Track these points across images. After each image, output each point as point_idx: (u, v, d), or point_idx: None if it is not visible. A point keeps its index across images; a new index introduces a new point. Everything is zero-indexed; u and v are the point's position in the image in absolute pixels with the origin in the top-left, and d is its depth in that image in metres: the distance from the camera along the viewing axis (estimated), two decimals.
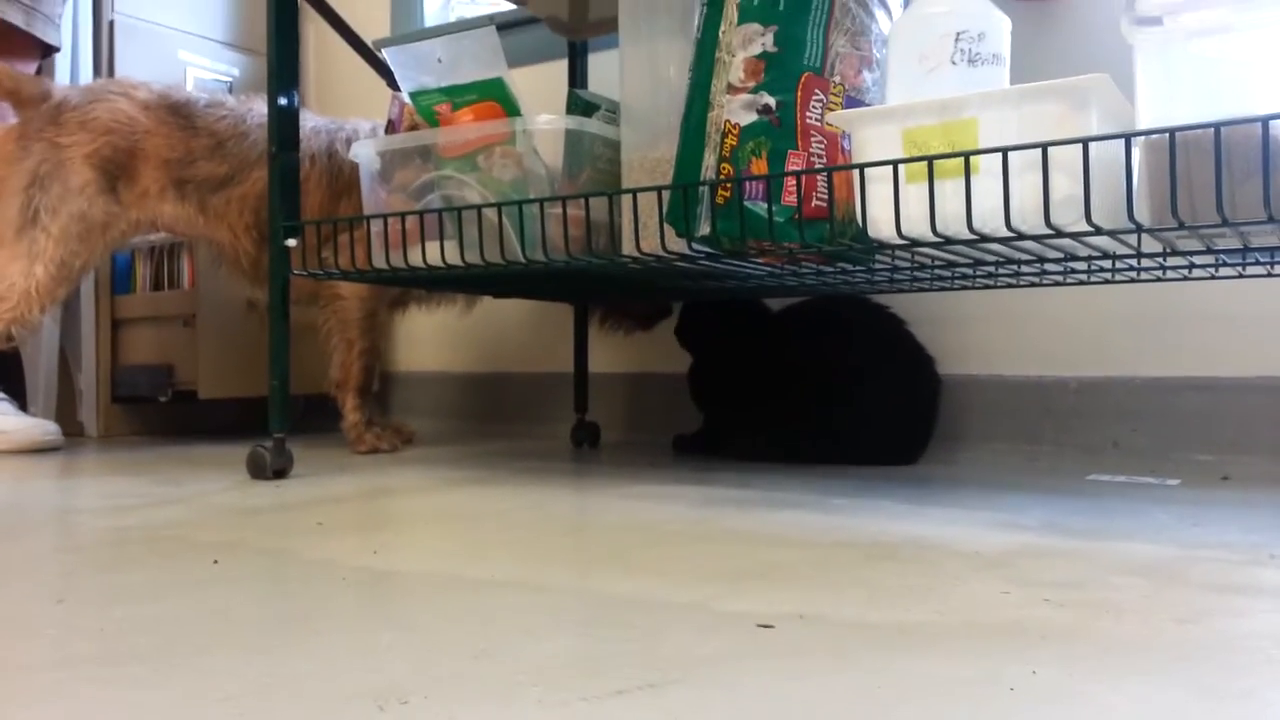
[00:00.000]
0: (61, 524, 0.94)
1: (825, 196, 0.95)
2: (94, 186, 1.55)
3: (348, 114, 1.86)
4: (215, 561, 0.75)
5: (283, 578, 0.70)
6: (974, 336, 1.53)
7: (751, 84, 0.97)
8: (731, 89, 0.97)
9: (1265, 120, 0.76)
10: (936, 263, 1.09)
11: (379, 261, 1.26)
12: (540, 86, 1.88)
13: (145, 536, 0.86)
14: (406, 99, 1.23)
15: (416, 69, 1.20)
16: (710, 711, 0.43)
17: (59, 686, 0.47)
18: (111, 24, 1.91)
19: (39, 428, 1.63)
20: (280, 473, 1.24)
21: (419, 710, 0.44)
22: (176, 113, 1.59)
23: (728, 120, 0.97)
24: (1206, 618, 0.58)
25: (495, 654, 0.52)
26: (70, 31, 1.84)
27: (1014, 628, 0.56)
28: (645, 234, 1.09)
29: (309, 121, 1.62)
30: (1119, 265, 1.10)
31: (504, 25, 1.93)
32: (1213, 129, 0.76)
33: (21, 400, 1.78)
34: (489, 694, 0.46)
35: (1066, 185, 0.81)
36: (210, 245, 1.65)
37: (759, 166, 0.96)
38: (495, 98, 1.16)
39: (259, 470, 1.24)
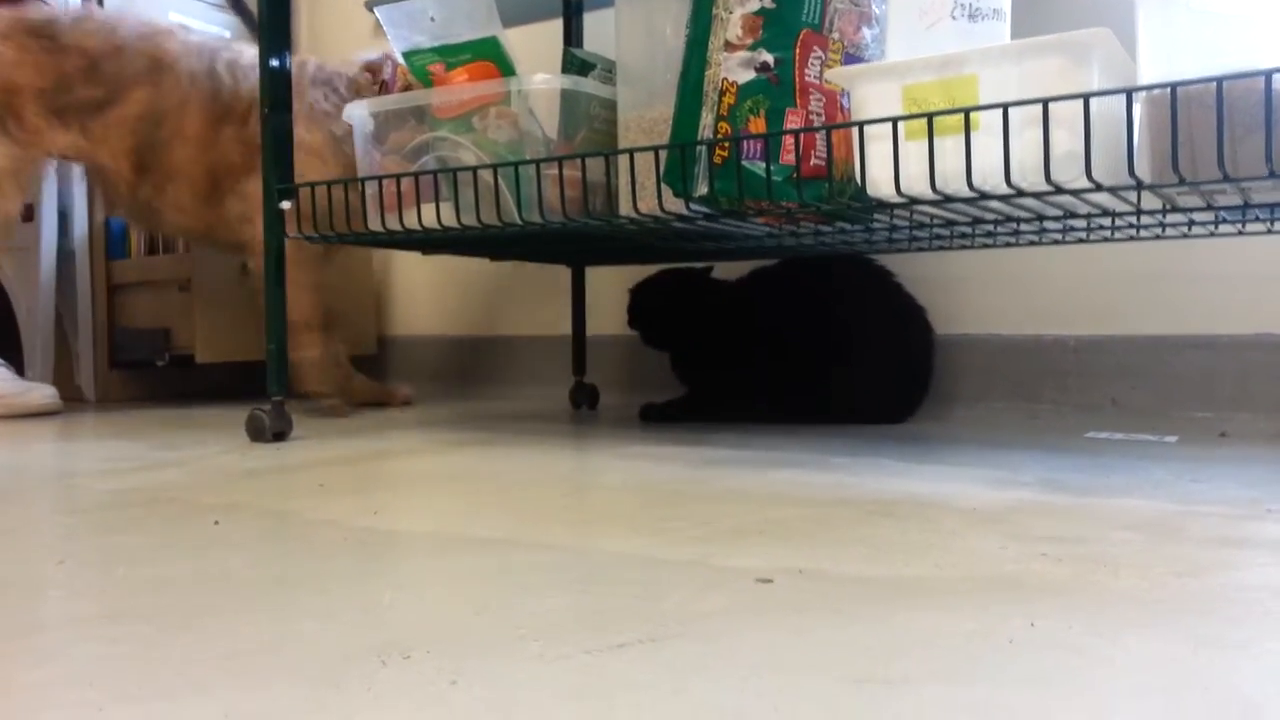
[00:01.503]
0: (61, 487, 0.94)
1: (824, 155, 0.95)
2: None
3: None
4: (216, 523, 0.75)
5: (284, 538, 0.71)
6: (973, 297, 1.52)
7: (749, 41, 0.96)
8: (729, 46, 0.96)
9: (1268, 74, 0.75)
10: (936, 222, 1.08)
11: (374, 224, 1.25)
12: (535, 45, 1.86)
13: (145, 499, 0.86)
14: (400, 58, 1.22)
15: (409, 28, 1.19)
16: (711, 664, 0.44)
17: (62, 646, 0.48)
18: None
19: (36, 392, 1.63)
20: (280, 435, 1.24)
21: (421, 664, 0.44)
22: (38, 35, 1.48)
23: (725, 78, 0.96)
24: (1204, 571, 0.59)
25: (496, 610, 0.52)
26: None
27: (1012, 582, 0.57)
28: (642, 194, 1.09)
29: (193, 37, 1.55)
30: (1119, 223, 1.10)
31: None
32: (1214, 83, 0.75)
33: (19, 366, 1.78)
34: (491, 648, 0.46)
35: (1067, 141, 0.80)
36: (94, 172, 1.59)
37: (757, 125, 0.95)
38: (490, 57, 1.15)
39: (258, 433, 1.24)
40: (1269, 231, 1.13)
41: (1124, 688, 0.41)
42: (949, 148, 0.85)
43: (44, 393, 1.64)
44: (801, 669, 0.43)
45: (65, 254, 1.88)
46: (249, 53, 1.57)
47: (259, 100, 1.52)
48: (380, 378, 1.97)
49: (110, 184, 1.57)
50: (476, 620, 0.51)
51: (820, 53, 0.95)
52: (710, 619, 0.50)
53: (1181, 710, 0.38)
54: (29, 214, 1.84)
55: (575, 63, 1.27)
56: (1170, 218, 1.06)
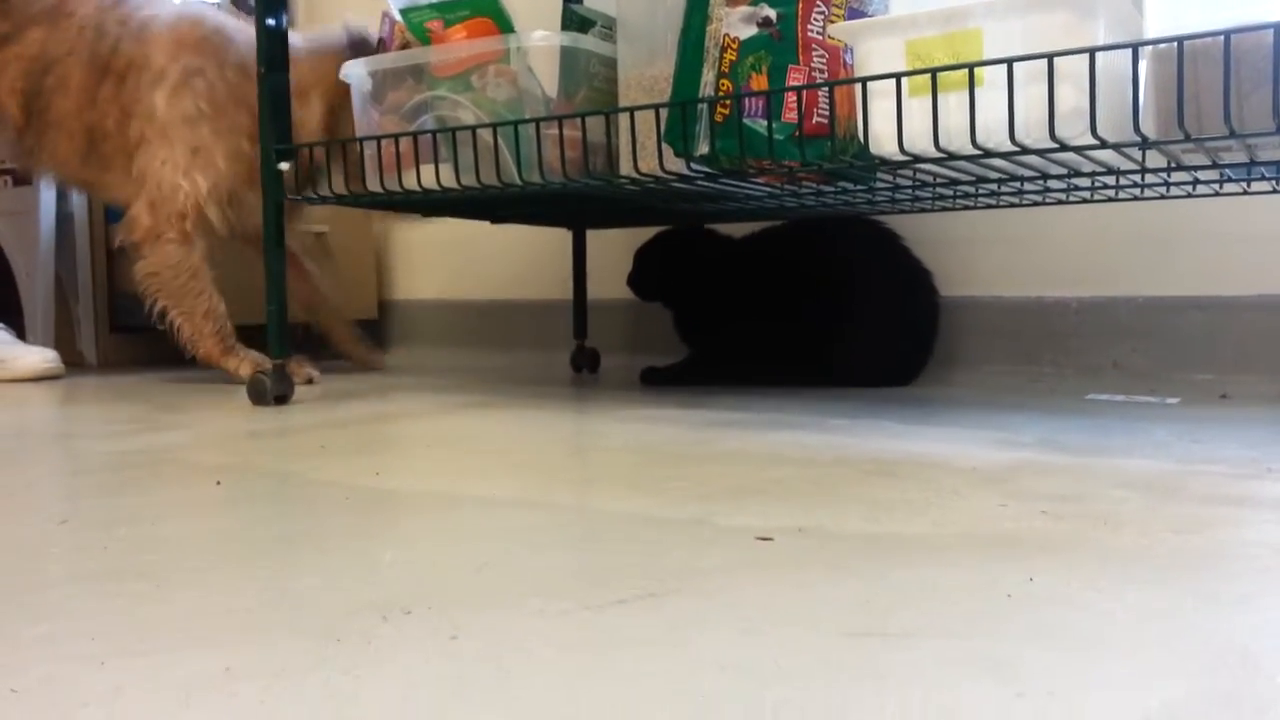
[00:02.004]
0: (63, 449, 0.94)
1: (826, 112, 0.94)
2: None
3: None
4: (218, 483, 0.76)
5: (286, 498, 0.71)
6: (974, 258, 1.51)
7: None
8: (731, 1, 0.95)
9: (1277, 27, 0.74)
10: (938, 181, 1.07)
11: (373, 185, 1.24)
12: (533, 2, 1.83)
13: (147, 460, 0.86)
14: (397, 15, 1.20)
15: None
16: (711, 619, 0.44)
17: (66, 602, 0.48)
18: None
19: (38, 355, 1.63)
20: (281, 398, 1.24)
21: (422, 620, 0.44)
22: None
23: (727, 34, 0.95)
24: (1205, 528, 0.59)
25: (497, 567, 0.52)
26: None
27: (1011, 539, 0.57)
28: (643, 154, 1.08)
29: None
30: (1123, 182, 1.09)
31: None
32: (1222, 37, 0.74)
33: (19, 330, 1.78)
34: (491, 604, 0.46)
35: (1072, 97, 0.79)
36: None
37: (759, 82, 0.94)
38: (488, 14, 1.14)
39: (260, 396, 1.24)
40: (1274, 191, 1.12)
41: (1123, 641, 0.41)
42: (953, 104, 0.84)
43: (44, 356, 1.64)
44: (801, 623, 0.43)
45: (64, 217, 1.87)
46: (151, 10, 1.51)
47: (136, 63, 1.45)
48: (381, 342, 1.97)
49: (5, 123, 1.52)
50: (477, 577, 0.51)
51: (823, 7, 0.94)
52: (711, 575, 0.50)
53: (1181, 663, 0.38)
54: (27, 177, 1.83)
55: (575, 19, 1.26)
56: (1174, 176, 1.05)
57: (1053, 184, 1.10)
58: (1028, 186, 1.11)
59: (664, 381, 1.46)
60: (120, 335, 1.92)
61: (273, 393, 1.23)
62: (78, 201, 1.87)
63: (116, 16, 1.49)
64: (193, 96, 1.44)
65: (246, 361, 1.48)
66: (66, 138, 1.51)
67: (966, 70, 0.82)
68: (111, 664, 0.40)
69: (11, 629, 0.44)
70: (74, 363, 1.86)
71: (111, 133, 1.49)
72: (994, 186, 1.11)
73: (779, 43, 0.94)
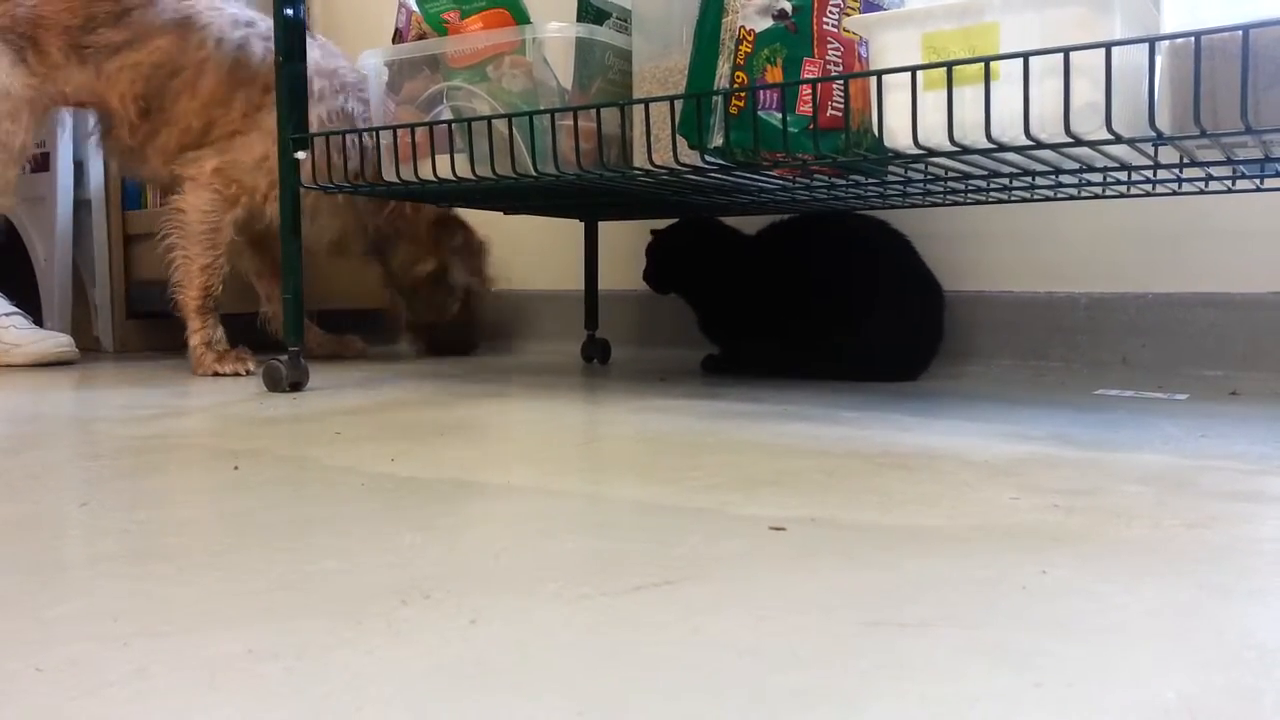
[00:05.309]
0: (81, 433, 0.95)
1: (841, 105, 0.94)
2: (7, 60, 1.50)
3: (353, 23, 1.82)
4: (236, 467, 0.76)
5: (303, 483, 0.71)
6: (984, 253, 1.51)
7: None
8: None
9: None
10: (950, 175, 1.08)
11: (389, 175, 1.25)
12: None
13: (165, 445, 0.87)
14: (414, 6, 1.21)
15: None
16: (726, 606, 0.44)
17: (89, 583, 0.49)
18: None
19: (52, 339, 1.64)
20: (296, 385, 1.25)
21: (441, 603, 0.45)
22: None
23: (743, 26, 0.95)
24: (1216, 523, 0.59)
25: (514, 553, 0.53)
26: None
27: (1025, 532, 0.57)
28: (657, 146, 1.08)
29: (227, 9, 1.56)
30: (1134, 178, 1.09)
31: None
32: (1240, 32, 0.74)
33: (37, 316, 1.79)
34: (510, 589, 0.47)
35: (1088, 91, 0.79)
36: (100, 114, 1.61)
37: (774, 74, 0.95)
38: (504, 5, 1.14)
39: (275, 383, 1.25)
40: None
41: (1139, 633, 0.41)
42: (968, 98, 0.84)
43: (57, 341, 1.65)
44: (816, 611, 0.44)
45: (81, 205, 1.88)
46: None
47: (263, 83, 1.53)
48: (395, 331, 1.98)
49: (115, 126, 1.58)
50: (495, 563, 0.51)
51: (839, 0, 0.94)
52: (725, 563, 0.51)
53: (1195, 654, 0.39)
54: (45, 164, 1.84)
55: (590, 11, 1.26)
56: (1186, 173, 1.05)
57: (1064, 179, 1.10)
58: (1039, 182, 1.11)
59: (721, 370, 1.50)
60: (136, 321, 1.93)
61: (288, 379, 1.24)
62: (94, 189, 1.88)
63: (258, 33, 1.55)
64: None
65: (203, 331, 1.52)
66: (180, 132, 1.56)
67: (982, 64, 0.82)
68: (135, 644, 0.40)
69: (35, 609, 0.45)
70: (90, 349, 1.87)
71: (227, 127, 1.55)
72: (1005, 181, 1.11)
73: (794, 35, 0.94)
